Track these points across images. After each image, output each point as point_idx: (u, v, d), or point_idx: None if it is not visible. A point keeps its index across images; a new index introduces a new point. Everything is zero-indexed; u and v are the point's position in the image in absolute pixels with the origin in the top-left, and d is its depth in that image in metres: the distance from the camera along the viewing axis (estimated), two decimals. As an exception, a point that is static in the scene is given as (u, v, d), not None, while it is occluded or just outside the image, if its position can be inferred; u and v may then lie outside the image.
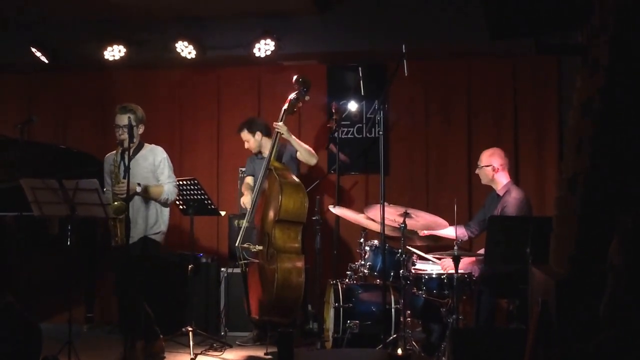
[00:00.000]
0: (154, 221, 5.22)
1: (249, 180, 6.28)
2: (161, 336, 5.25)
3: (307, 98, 5.98)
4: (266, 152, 6.03)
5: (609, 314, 1.80)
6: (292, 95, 5.93)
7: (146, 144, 5.33)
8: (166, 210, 5.33)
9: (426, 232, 5.67)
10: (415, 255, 5.58)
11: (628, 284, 1.74)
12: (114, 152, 5.20)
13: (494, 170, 5.50)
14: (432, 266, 5.60)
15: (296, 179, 5.76)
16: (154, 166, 5.23)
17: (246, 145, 6.24)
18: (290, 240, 5.57)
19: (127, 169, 4.89)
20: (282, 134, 5.87)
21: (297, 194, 5.58)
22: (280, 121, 5.87)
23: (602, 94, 2.98)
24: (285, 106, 5.94)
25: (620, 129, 2.92)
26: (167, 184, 5.23)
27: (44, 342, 3.19)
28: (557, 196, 3.57)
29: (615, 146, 2.92)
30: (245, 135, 6.20)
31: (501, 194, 5.50)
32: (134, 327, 4.96)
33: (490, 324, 5.15)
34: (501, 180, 5.52)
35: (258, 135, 6.15)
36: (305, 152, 6.01)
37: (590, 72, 3.25)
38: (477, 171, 5.63)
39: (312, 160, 6.07)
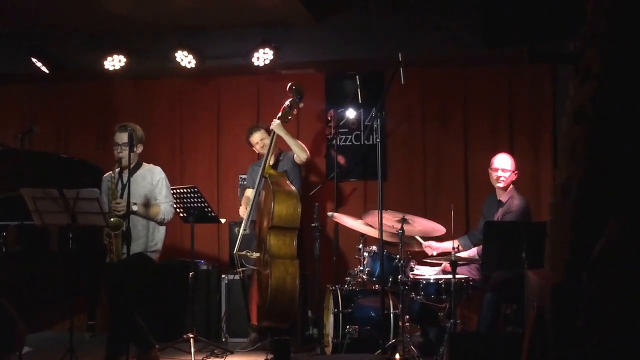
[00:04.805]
0: (151, 239, 5.21)
1: (248, 193, 6.30)
2: (156, 346, 5.25)
3: (301, 105, 6.06)
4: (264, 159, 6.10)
5: (593, 317, 1.84)
6: (287, 103, 6.02)
7: (144, 164, 5.32)
8: (162, 229, 5.30)
9: (432, 252, 5.68)
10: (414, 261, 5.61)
11: (613, 287, 1.79)
12: (111, 171, 5.22)
13: (515, 176, 5.58)
14: (430, 271, 5.65)
15: (290, 186, 5.82)
16: (152, 185, 5.22)
17: (259, 147, 6.22)
18: (285, 246, 5.63)
19: (128, 186, 4.91)
20: (275, 131, 5.94)
21: (289, 200, 5.64)
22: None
23: (593, 101, 3.04)
24: (280, 114, 6.01)
25: (612, 136, 2.98)
26: (164, 203, 5.23)
27: (44, 349, 3.22)
28: (551, 202, 3.62)
29: (607, 152, 2.97)
30: (262, 134, 6.19)
31: (504, 199, 5.55)
32: (124, 340, 4.93)
33: (492, 328, 5.19)
34: (509, 186, 5.60)
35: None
36: (296, 146, 6.06)
37: (582, 80, 3.31)
38: (501, 175, 5.57)
39: (303, 155, 6.10)
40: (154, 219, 5.18)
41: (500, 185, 5.60)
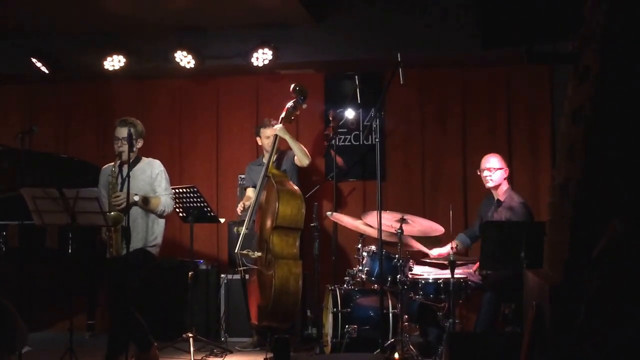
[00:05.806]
0: (150, 233, 5.22)
1: (250, 192, 6.31)
2: (155, 344, 5.26)
3: (304, 106, 6.07)
4: (267, 158, 6.10)
5: (593, 317, 1.85)
6: (290, 104, 6.02)
7: (144, 157, 5.33)
8: (162, 222, 5.31)
9: (435, 255, 5.73)
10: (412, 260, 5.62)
11: (613, 287, 1.80)
12: (111, 164, 5.21)
13: (505, 173, 5.58)
14: (429, 270, 5.66)
15: (294, 186, 5.83)
16: (152, 179, 5.24)
17: (268, 142, 6.16)
18: (288, 246, 5.64)
19: (127, 180, 4.91)
20: (280, 134, 5.95)
21: (294, 201, 5.66)
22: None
23: (592, 101, 3.04)
24: (283, 114, 6.02)
25: (610, 136, 2.99)
26: (164, 196, 5.24)
27: (44, 350, 3.22)
28: (550, 202, 3.63)
29: (605, 152, 2.98)
30: (272, 130, 6.12)
31: (502, 199, 5.56)
32: (124, 339, 4.93)
33: (491, 328, 5.21)
34: (504, 185, 5.61)
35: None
36: (299, 151, 6.08)
37: (581, 80, 3.32)
38: (487, 174, 5.60)
39: (305, 161, 6.13)
40: (154, 211, 5.20)
41: (490, 184, 5.62)
